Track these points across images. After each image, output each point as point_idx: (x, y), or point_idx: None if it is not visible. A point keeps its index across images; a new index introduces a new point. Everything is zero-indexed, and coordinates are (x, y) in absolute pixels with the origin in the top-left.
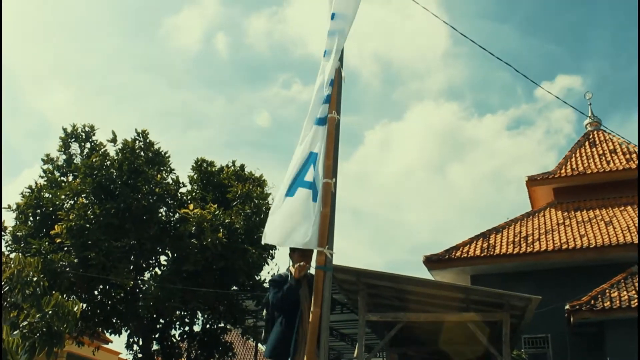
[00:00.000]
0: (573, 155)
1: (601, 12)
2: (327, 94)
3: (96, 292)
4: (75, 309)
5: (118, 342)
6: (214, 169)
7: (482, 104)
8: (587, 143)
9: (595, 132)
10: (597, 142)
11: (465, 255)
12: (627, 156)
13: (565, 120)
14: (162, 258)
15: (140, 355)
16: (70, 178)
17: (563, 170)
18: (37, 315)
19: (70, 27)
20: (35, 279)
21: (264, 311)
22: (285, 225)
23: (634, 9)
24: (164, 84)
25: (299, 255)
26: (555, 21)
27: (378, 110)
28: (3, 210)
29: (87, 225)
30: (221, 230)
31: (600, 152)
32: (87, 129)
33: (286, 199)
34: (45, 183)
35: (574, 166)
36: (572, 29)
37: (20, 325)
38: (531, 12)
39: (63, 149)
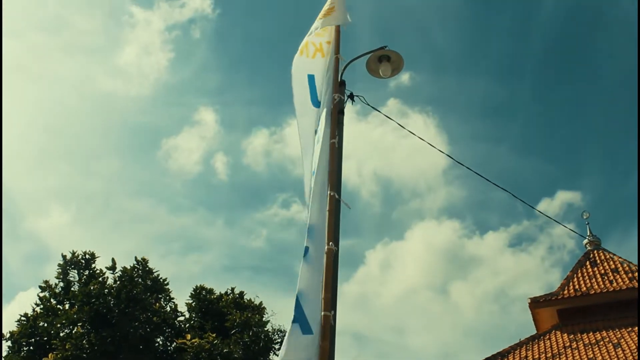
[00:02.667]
0: (575, 275)
1: (592, 129)
2: None
3: None
4: None
5: None
6: (212, 297)
7: (483, 221)
8: (587, 263)
9: (595, 252)
10: (598, 261)
11: None
12: (630, 275)
13: (567, 236)
14: None
15: None
16: (67, 306)
17: (566, 291)
18: None
19: (71, 151)
20: None
21: None
22: None
23: (623, 123)
24: (164, 208)
25: None
26: (549, 140)
27: (379, 230)
28: None
29: (83, 355)
30: None
31: (602, 271)
32: (87, 256)
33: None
34: (41, 311)
35: (577, 287)
36: (566, 147)
37: None
38: (524, 133)
39: (61, 276)
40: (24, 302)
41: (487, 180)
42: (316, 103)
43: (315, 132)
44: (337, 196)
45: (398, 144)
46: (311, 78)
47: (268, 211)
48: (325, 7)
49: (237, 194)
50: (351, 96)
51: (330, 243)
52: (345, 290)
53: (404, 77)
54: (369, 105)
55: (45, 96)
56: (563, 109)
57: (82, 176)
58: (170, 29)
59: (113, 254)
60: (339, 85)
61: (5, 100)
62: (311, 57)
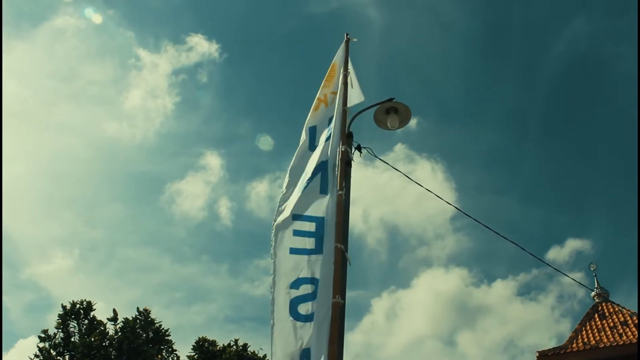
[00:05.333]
0: (583, 328)
1: (600, 178)
2: None
3: None
4: None
5: None
6: (216, 349)
7: (492, 269)
8: (596, 315)
9: (604, 304)
10: (607, 314)
11: None
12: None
13: (578, 284)
14: None
15: None
16: (67, 357)
17: (574, 345)
18: None
19: (76, 198)
20: None
21: None
22: None
23: (629, 172)
24: (168, 256)
25: None
26: (555, 189)
27: (385, 278)
28: None
29: None
30: None
31: (611, 324)
32: (85, 305)
33: None
34: None
35: (585, 340)
36: (574, 196)
37: None
38: (530, 182)
39: (61, 327)
40: (24, 350)
41: (494, 232)
42: (312, 147)
43: (304, 170)
44: (343, 248)
45: (405, 189)
46: (312, 129)
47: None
48: (335, 73)
49: (240, 240)
50: (358, 148)
51: (337, 296)
52: (350, 340)
53: (412, 122)
54: (376, 157)
55: (52, 143)
56: (569, 158)
57: (86, 224)
58: (177, 72)
59: (116, 303)
60: (346, 137)
61: (11, 146)
62: (314, 110)
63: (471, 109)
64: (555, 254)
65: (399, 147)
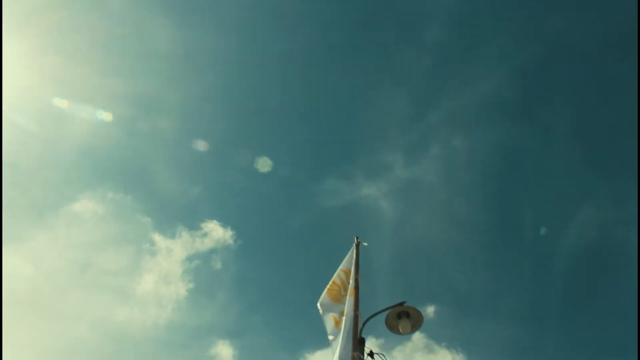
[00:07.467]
0: None
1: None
2: None
3: None
4: None
5: None
6: None
7: None
8: None
9: None
10: None
11: None
12: None
13: None
14: None
15: None
16: None
17: None
18: None
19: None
20: None
21: None
22: None
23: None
24: None
25: None
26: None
27: None
28: None
29: None
30: None
31: None
32: None
33: None
34: None
35: None
36: None
37: None
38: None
39: None
40: None
41: None
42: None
43: None
44: None
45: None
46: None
47: None
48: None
49: None
50: (371, 354)
51: None
52: None
53: (429, 309)
54: None
55: (61, 332)
56: (588, 349)
57: None
58: (191, 258)
59: None
60: (358, 343)
61: (19, 334)
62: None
63: (488, 299)
64: None
65: (417, 336)
